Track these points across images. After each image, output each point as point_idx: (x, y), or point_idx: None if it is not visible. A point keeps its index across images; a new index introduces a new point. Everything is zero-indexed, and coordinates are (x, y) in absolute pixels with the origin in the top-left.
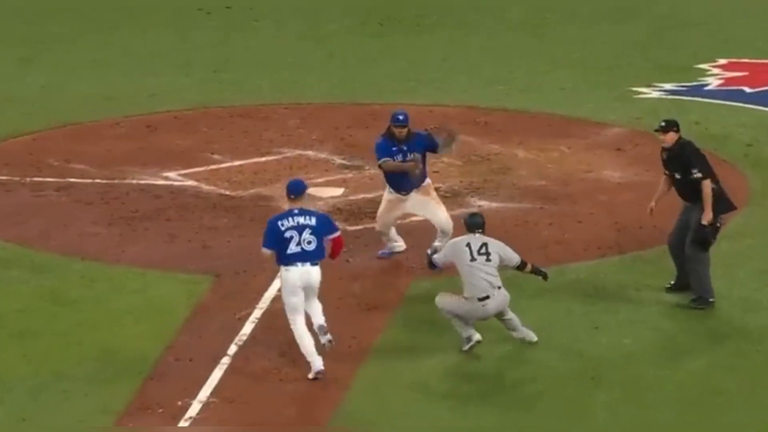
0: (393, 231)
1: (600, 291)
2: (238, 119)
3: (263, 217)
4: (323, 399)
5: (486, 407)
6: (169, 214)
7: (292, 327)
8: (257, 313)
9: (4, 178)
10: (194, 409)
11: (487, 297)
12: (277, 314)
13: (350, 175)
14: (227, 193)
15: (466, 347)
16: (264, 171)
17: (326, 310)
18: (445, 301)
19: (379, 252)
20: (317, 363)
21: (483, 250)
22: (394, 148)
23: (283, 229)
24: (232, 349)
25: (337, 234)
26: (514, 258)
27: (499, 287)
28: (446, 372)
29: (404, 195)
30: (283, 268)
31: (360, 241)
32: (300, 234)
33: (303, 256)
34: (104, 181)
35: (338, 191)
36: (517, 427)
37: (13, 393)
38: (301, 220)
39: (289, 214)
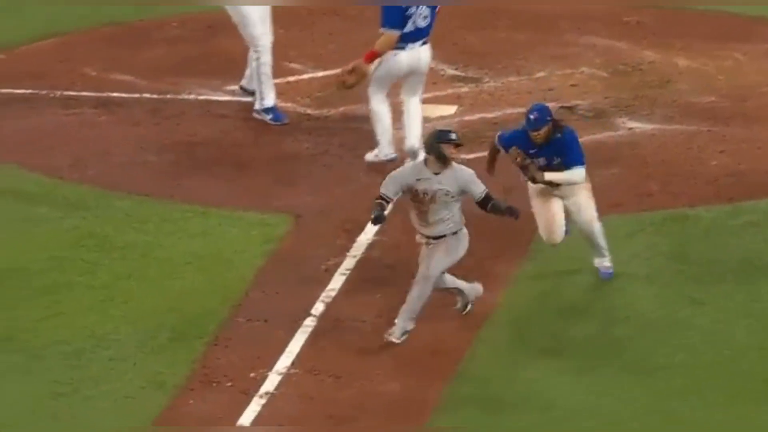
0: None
1: None
2: (322, 18)
3: (354, 142)
4: (432, 372)
5: (631, 393)
6: (237, 137)
7: (371, 104)
8: (349, 263)
9: (28, 92)
10: (271, 382)
11: None
12: (373, 264)
13: (465, 90)
14: (309, 111)
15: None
16: None
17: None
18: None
19: None
20: (389, 150)
21: None
22: (531, 150)
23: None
24: (318, 307)
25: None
26: None
27: None
28: (585, 343)
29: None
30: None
31: (478, 173)
32: (417, 8)
33: (415, 35)
34: (154, 96)
35: (450, 110)
36: (674, 421)
37: (46, 362)
38: None
39: None
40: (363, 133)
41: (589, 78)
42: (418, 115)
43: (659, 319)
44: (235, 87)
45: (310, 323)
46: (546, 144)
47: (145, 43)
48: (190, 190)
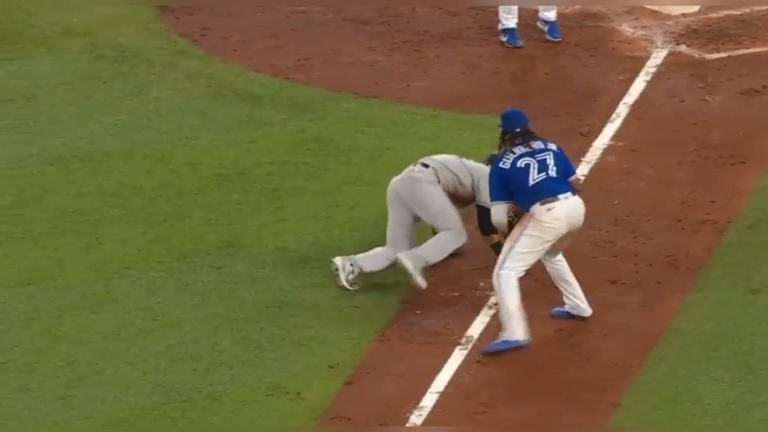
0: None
1: None
2: None
3: (591, 41)
4: (673, 282)
5: None
6: (469, 36)
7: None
8: (583, 168)
9: None
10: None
11: None
12: (609, 169)
13: None
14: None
15: None
16: None
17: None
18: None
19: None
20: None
21: None
22: None
23: None
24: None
25: None
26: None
27: None
28: None
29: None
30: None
31: (722, 73)
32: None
33: None
34: None
35: (693, 7)
36: None
37: (269, 269)
38: None
39: None
40: (599, 32)
41: None
42: None
43: None
44: None
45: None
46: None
47: None
48: (419, 92)
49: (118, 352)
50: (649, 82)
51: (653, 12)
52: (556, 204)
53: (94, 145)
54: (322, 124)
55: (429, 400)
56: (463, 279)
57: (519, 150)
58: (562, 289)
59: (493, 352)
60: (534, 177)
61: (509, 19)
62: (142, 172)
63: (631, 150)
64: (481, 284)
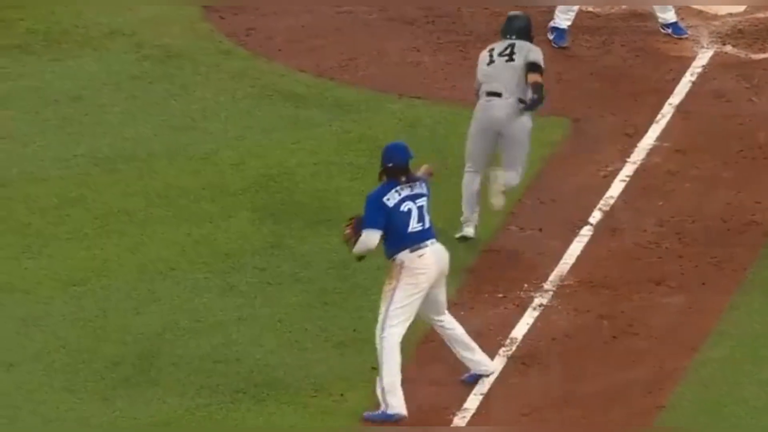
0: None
1: None
2: None
3: (637, 41)
4: (718, 283)
5: None
6: None
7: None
8: (628, 169)
9: None
10: (545, 294)
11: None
12: (654, 170)
13: None
14: (590, 9)
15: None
16: None
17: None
18: None
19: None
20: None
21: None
22: None
23: None
24: (596, 215)
25: None
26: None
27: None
28: None
29: None
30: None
31: None
32: None
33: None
34: None
35: (739, 7)
36: None
37: (313, 270)
38: None
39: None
40: (645, 32)
41: None
42: None
43: None
44: None
45: (586, 232)
46: None
47: None
48: (465, 91)
49: (163, 353)
50: (694, 83)
51: (699, 12)
52: (426, 250)
53: (139, 146)
54: (367, 124)
55: (473, 402)
56: (507, 280)
57: (404, 191)
58: (458, 353)
59: (370, 420)
60: (413, 226)
61: (564, 20)
62: (187, 173)
63: (677, 151)
64: (525, 285)
